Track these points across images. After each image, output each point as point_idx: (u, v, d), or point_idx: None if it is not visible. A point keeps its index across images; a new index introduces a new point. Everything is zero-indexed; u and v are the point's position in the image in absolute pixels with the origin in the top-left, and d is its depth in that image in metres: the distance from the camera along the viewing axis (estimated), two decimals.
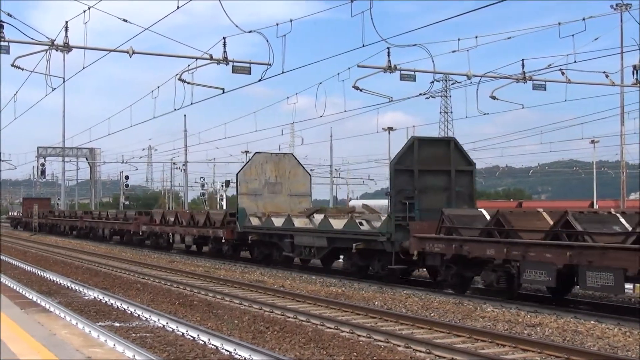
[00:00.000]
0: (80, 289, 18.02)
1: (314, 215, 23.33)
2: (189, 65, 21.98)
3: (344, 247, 20.60)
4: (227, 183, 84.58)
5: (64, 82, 25.53)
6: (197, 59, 21.38)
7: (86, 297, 16.81)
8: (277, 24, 19.68)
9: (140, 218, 37.43)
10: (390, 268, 18.76)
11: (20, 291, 16.98)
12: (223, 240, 27.31)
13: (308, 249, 22.15)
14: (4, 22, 18.86)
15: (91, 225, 46.66)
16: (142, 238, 36.69)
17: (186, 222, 30.83)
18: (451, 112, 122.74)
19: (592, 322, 12.96)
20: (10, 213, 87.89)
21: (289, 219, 23.38)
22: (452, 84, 32.36)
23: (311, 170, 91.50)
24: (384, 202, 25.00)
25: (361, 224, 20.19)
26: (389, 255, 18.63)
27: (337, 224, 21.18)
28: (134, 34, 25.51)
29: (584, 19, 22.30)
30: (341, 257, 22.63)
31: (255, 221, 25.42)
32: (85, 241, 45.00)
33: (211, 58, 20.97)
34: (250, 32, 19.90)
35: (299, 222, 23.20)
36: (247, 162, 27.23)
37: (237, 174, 27.26)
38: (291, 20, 19.66)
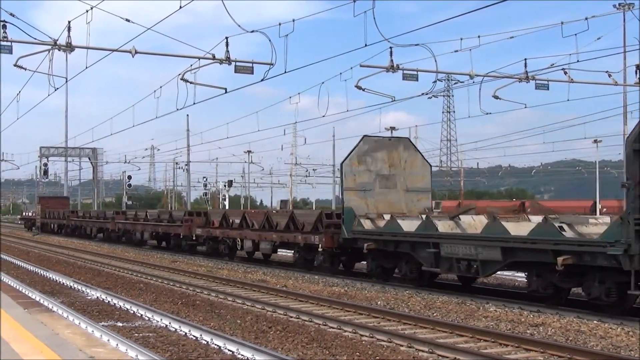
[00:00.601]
0: (83, 289, 18.04)
1: (460, 217, 18.39)
2: (191, 65, 22.03)
3: (531, 261, 15.11)
4: (230, 183, 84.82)
5: (66, 82, 25.62)
6: (199, 58, 21.42)
7: (89, 297, 16.83)
8: (280, 24, 19.71)
9: (193, 220, 31.60)
10: (629, 294, 13.30)
11: (23, 291, 17.01)
12: (320, 249, 21.58)
13: (466, 262, 16.41)
14: (6, 22, 18.91)
15: (126, 227, 40.18)
16: (194, 243, 31.43)
17: (259, 225, 25.68)
18: (454, 112, 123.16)
19: (595, 321, 12.94)
20: (24, 213, 78.33)
21: (428, 222, 17.95)
22: (455, 83, 32.49)
23: (313, 170, 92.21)
24: None
25: (561, 228, 14.72)
26: (621, 275, 13.11)
27: (516, 228, 15.87)
28: (137, 34, 25.58)
29: (586, 19, 22.31)
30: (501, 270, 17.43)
31: (367, 224, 20.06)
32: (89, 242, 44.97)
33: (214, 58, 21.00)
34: (252, 31, 19.92)
35: (442, 226, 17.90)
36: (354, 149, 21.38)
37: (341, 164, 21.65)
38: (293, 20, 19.68)
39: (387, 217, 20.12)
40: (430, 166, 22.88)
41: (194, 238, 30.67)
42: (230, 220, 28.13)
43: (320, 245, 21.45)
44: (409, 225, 18.71)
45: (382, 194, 21.55)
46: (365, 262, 21.13)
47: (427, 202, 22.23)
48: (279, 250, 26.40)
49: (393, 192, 21.75)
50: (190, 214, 33.95)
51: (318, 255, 22.05)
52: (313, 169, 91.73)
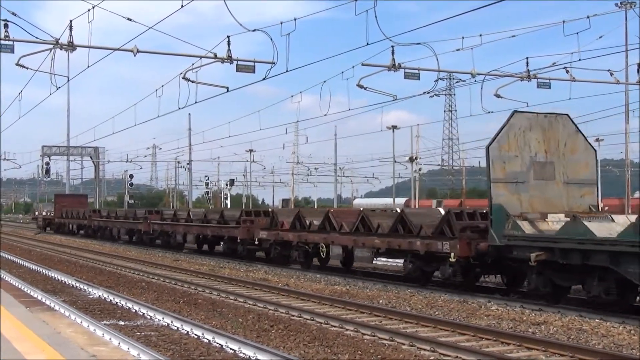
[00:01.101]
0: (85, 288, 18.06)
1: None
2: (193, 64, 22.06)
3: None
4: (232, 182, 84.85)
5: (68, 81, 25.64)
6: (201, 57, 21.46)
7: (91, 296, 16.85)
8: (281, 23, 19.73)
9: (254, 221, 27.09)
10: None
11: (25, 290, 17.04)
12: (452, 259, 16.74)
13: None
14: (8, 21, 18.92)
15: (163, 229, 35.33)
16: (254, 249, 27.15)
17: (350, 227, 21.00)
18: (455, 111, 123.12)
19: (596, 320, 12.94)
20: (37, 212, 71.31)
21: None
22: (457, 82, 32.46)
23: (315, 168, 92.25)
24: (388, 201, 24.02)
25: None
26: None
27: None
28: (139, 33, 25.52)
29: (588, 17, 22.31)
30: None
31: (526, 227, 15.44)
32: (94, 241, 44.95)
33: (215, 57, 21.03)
34: (254, 30, 19.96)
35: None
36: (502, 128, 16.61)
37: (487, 147, 16.48)
38: (295, 19, 19.69)
39: (553, 217, 15.86)
40: (595, 151, 18.02)
41: (256, 242, 26.33)
42: (308, 222, 23.40)
43: (452, 255, 16.72)
44: (601, 229, 14.25)
45: (538, 187, 16.75)
46: (495, 275, 18.11)
47: (592, 198, 17.42)
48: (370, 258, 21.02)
49: (550, 184, 16.97)
50: (248, 213, 29.14)
51: (445, 267, 17.16)
52: (315, 168, 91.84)
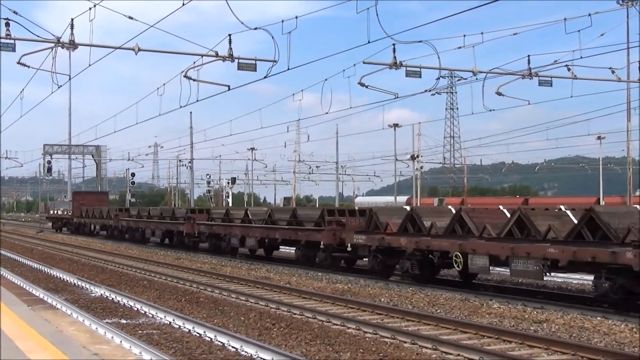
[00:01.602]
0: (87, 286, 18.08)
1: None
2: (194, 63, 22.02)
3: None
4: (233, 180, 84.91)
5: (69, 79, 25.49)
6: (202, 56, 21.42)
7: (93, 294, 16.86)
8: (283, 21, 19.71)
9: (346, 222, 22.41)
10: None
11: (27, 288, 17.06)
12: None
13: None
14: (10, 19, 18.91)
15: (213, 230, 30.48)
16: (343, 256, 22.66)
17: (498, 232, 16.31)
18: (457, 109, 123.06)
19: (598, 318, 12.94)
20: (52, 211, 65.34)
21: None
22: (458, 80, 32.35)
23: (317, 167, 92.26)
24: (390, 199, 23.83)
25: None
26: None
27: None
28: (140, 31, 25.47)
29: (589, 15, 22.22)
30: None
31: None
32: (96, 240, 44.88)
33: (217, 55, 20.99)
34: (255, 29, 19.94)
35: None
36: None
37: None
38: (296, 17, 19.65)
39: None
40: None
41: (348, 248, 21.59)
42: (428, 224, 18.39)
43: None
44: None
45: None
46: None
47: None
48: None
49: None
50: (332, 212, 23.90)
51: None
52: (316, 166, 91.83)
